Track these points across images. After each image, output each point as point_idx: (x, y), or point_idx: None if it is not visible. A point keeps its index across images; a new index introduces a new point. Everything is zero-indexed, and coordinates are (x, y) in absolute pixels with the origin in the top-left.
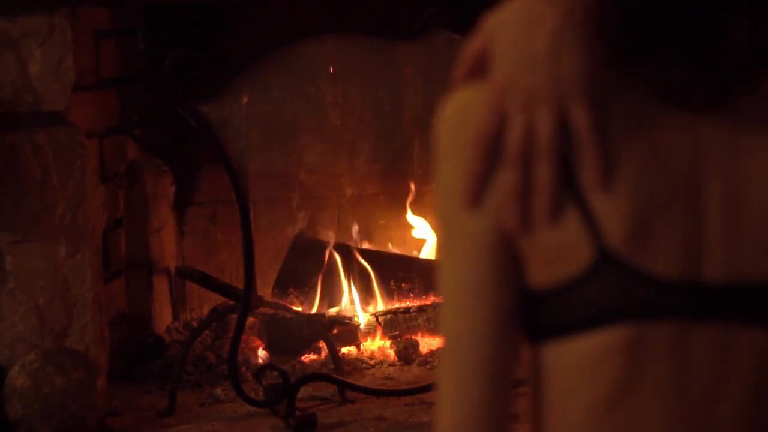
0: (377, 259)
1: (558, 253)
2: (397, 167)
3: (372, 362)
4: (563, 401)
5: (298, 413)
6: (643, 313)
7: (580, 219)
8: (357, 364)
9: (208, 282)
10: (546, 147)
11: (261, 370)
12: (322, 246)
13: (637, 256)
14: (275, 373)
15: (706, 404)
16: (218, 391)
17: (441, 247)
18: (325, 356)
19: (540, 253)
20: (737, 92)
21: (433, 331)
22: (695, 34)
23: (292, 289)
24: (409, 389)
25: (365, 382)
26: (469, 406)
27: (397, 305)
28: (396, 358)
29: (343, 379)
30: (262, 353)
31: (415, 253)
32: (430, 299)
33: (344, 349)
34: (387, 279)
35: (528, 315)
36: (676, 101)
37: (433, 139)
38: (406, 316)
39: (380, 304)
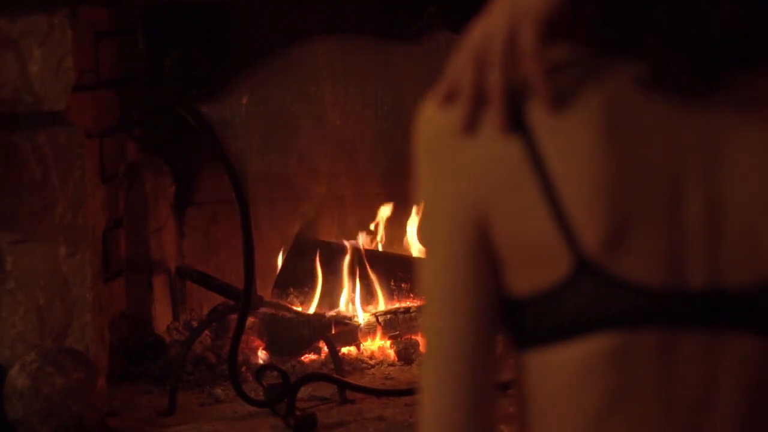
0: (377, 259)
1: (536, 260)
2: (397, 167)
3: (372, 362)
4: (552, 414)
5: (298, 413)
6: (627, 322)
7: (556, 226)
8: (357, 364)
9: (208, 282)
10: (495, 55)
11: (261, 370)
12: (322, 246)
13: (616, 263)
14: (275, 373)
15: (697, 413)
16: (218, 391)
17: (424, 252)
18: (325, 356)
19: (518, 258)
20: (724, 79)
21: None
22: (682, 15)
23: (292, 289)
24: (409, 389)
25: (365, 382)
26: (449, 412)
27: (397, 305)
28: (396, 358)
29: (343, 379)
30: (262, 353)
31: (415, 254)
32: None
33: (344, 349)
34: (387, 279)
35: (512, 322)
36: (659, 89)
37: (414, 147)
38: (406, 316)
39: (380, 304)
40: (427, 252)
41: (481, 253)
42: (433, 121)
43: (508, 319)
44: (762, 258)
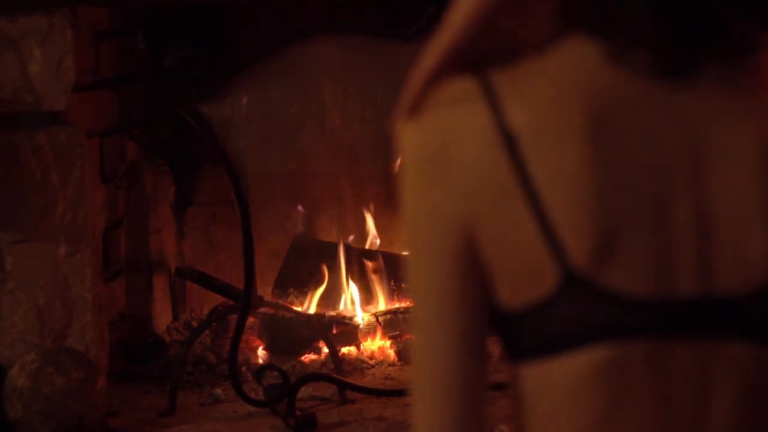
0: (377, 258)
1: (524, 273)
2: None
3: (372, 362)
4: (548, 425)
5: (298, 413)
6: (619, 334)
7: (542, 239)
8: (357, 364)
9: (208, 282)
10: (424, 63)
11: (261, 370)
12: (322, 246)
13: (605, 275)
14: (275, 373)
15: (693, 421)
16: (218, 391)
17: (411, 266)
18: (325, 356)
19: (507, 272)
20: (701, 61)
21: None
22: None
23: (292, 289)
24: None
25: (365, 382)
26: (441, 424)
27: (397, 305)
28: (396, 358)
29: (343, 379)
30: (262, 353)
31: None
32: None
33: (344, 349)
34: (387, 279)
35: (504, 334)
36: (641, 71)
37: (399, 159)
38: (406, 316)
39: (380, 304)
40: (415, 266)
41: (470, 267)
42: (420, 135)
43: (501, 331)
44: (752, 263)
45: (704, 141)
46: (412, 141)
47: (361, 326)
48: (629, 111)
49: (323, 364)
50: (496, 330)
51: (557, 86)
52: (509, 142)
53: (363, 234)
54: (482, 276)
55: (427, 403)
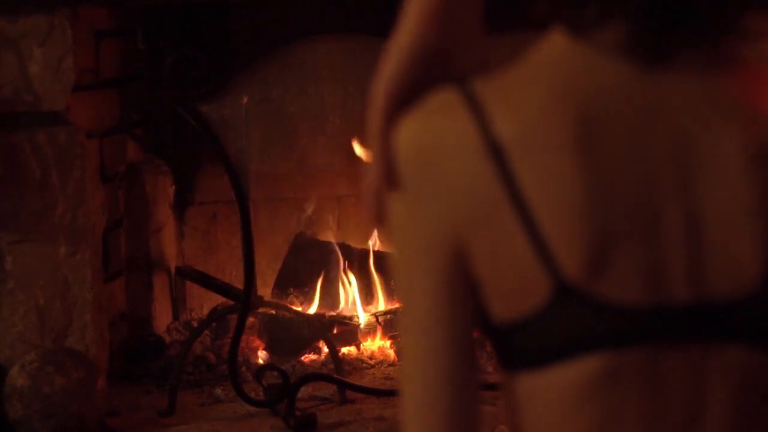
0: (377, 258)
1: (517, 286)
2: None
3: (372, 362)
4: None
5: (298, 413)
6: (613, 343)
7: (534, 252)
8: (357, 364)
9: (208, 282)
10: (371, 152)
11: (261, 370)
12: (322, 246)
13: (598, 285)
14: (275, 373)
15: (689, 427)
16: (218, 391)
17: (401, 282)
18: (325, 356)
19: (499, 284)
20: (686, 43)
21: None
22: None
23: (292, 289)
24: None
25: (365, 382)
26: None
27: (397, 305)
28: (396, 358)
29: (343, 379)
30: (262, 353)
31: None
32: None
33: (344, 349)
34: (387, 279)
35: (497, 344)
36: (618, 53)
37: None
38: None
39: (380, 304)
40: (403, 277)
41: (460, 280)
42: (405, 148)
43: (494, 341)
44: (743, 267)
45: (690, 142)
46: (398, 156)
47: (361, 326)
48: (615, 114)
49: (323, 364)
50: (489, 340)
51: (542, 92)
52: (497, 153)
53: (363, 233)
54: (473, 287)
55: (418, 405)
